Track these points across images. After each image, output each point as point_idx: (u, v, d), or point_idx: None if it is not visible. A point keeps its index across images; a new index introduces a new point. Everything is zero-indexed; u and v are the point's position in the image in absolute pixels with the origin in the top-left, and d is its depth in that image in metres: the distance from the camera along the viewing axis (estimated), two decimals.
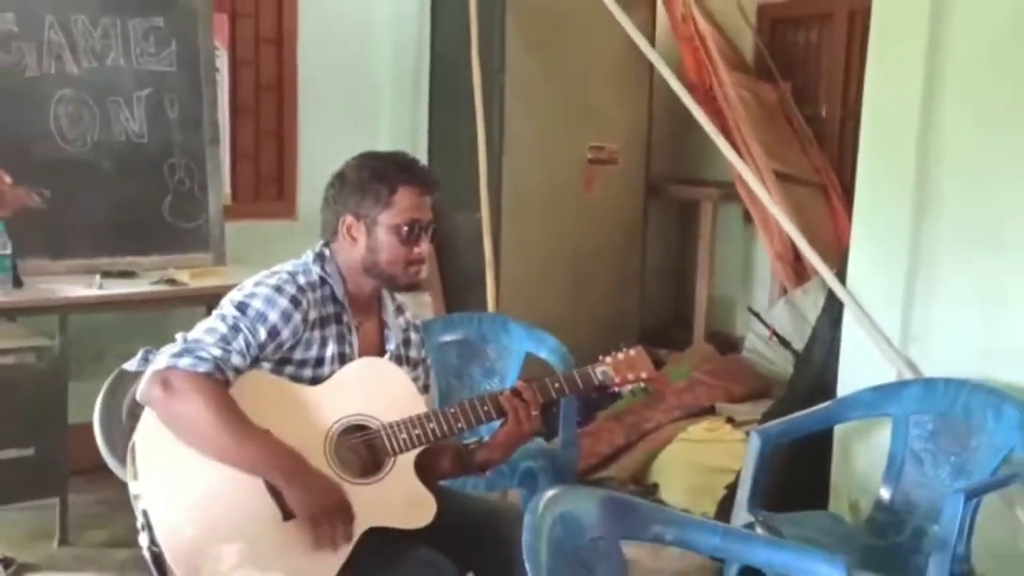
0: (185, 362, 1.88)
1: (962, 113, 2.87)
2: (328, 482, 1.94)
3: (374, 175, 2.07)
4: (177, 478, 1.91)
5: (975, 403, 2.63)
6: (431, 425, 2.02)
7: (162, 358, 1.91)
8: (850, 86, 4.57)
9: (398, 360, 2.18)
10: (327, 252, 2.12)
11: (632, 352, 2.23)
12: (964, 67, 2.86)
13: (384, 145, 4.64)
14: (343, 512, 1.92)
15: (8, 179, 3.04)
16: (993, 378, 2.72)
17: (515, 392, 2.10)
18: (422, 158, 4.69)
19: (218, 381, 1.89)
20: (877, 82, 3.05)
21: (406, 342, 2.22)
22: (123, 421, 2.06)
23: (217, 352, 1.90)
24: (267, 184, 4.52)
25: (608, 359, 2.21)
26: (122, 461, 2.02)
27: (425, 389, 2.22)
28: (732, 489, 3.11)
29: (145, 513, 1.89)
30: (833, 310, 3.27)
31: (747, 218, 4.93)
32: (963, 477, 2.56)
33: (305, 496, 1.89)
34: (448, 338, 3.29)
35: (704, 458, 3.82)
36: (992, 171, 2.83)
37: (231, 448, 1.88)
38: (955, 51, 2.87)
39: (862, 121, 3.10)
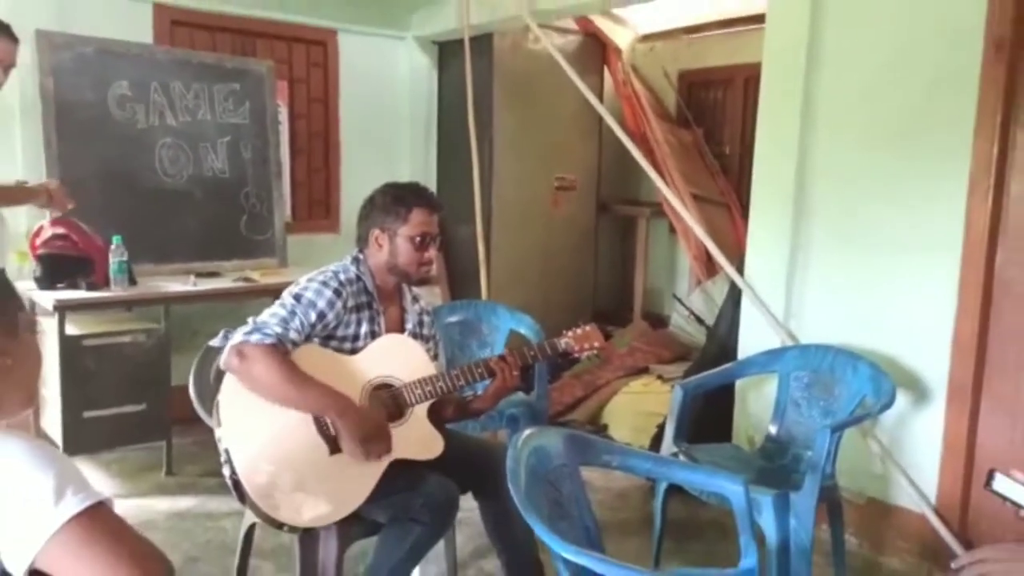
0: (255, 337, 1.88)
1: (827, 146, 2.89)
2: (369, 412, 1.95)
3: (395, 199, 2.08)
4: (249, 425, 1.91)
5: (838, 362, 2.63)
6: (439, 383, 2.02)
7: (237, 335, 1.91)
8: (747, 131, 4.56)
9: (415, 336, 2.17)
10: (361, 256, 2.12)
11: (588, 328, 2.22)
12: (829, 114, 2.87)
13: (404, 176, 4.62)
14: (383, 432, 1.93)
15: (55, 183, 2.88)
16: (852, 343, 2.73)
17: (501, 358, 2.10)
18: (432, 186, 4.73)
19: (280, 350, 1.89)
20: (765, 128, 3.05)
21: (421, 323, 2.21)
22: (211, 383, 2.04)
23: (279, 330, 1.90)
24: (317, 207, 4.48)
25: (570, 333, 2.20)
26: (210, 412, 2.01)
27: (435, 358, 2.21)
28: (662, 427, 3.10)
29: (227, 451, 1.90)
30: (734, 295, 3.27)
31: (672, 229, 4.93)
32: (829, 416, 2.56)
33: (354, 424, 1.89)
34: (453, 319, 3.28)
35: (641, 405, 3.82)
36: (848, 189, 2.84)
37: (295, 395, 1.88)
38: (821, 104, 2.88)
39: (755, 156, 3.09)
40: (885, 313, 2.75)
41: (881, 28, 2.71)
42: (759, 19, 3.08)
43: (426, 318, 2.25)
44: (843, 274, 2.87)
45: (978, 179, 2.50)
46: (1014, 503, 1.54)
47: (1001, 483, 1.56)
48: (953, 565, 1.45)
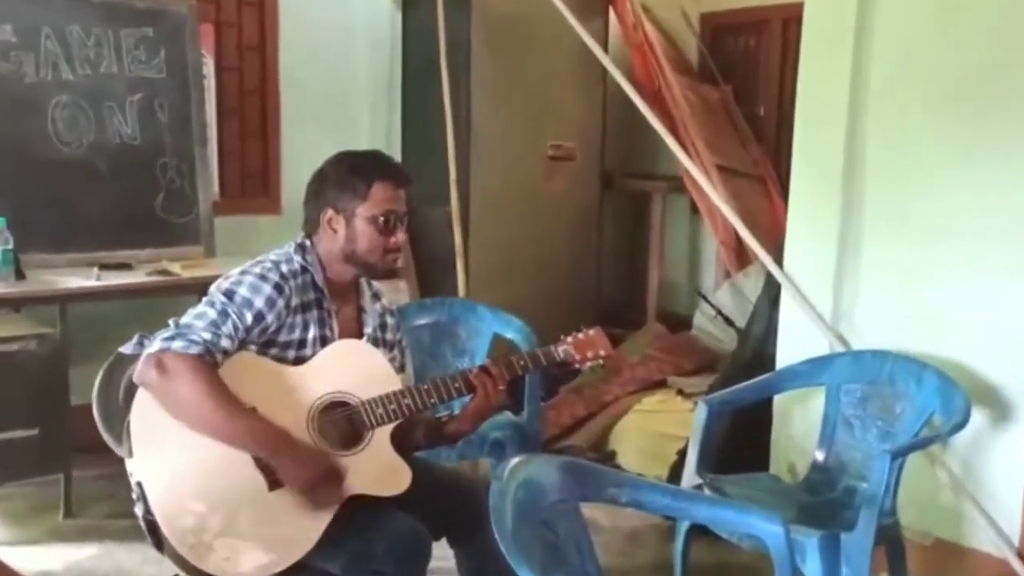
0: (178, 345, 1.87)
1: (883, 116, 2.91)
2: (312, 451, 1.94)
3: (352, 171, 2.07)
4: (169, 453, 1.89)
5: (898, 372, 2.65)
6: (406, 400, 2.02)
7: (156, 342, 1.90)
8: (785, 88, 4.58)
9: (375, 342, 2.16)
10: (308, 243, 2.11)
11: (591, 332, 2.23)
12: (886, 75, 2.89)
13: (361, 144, 4.55)
14: (331, 475, 1.93)
15: None
16: (913, 349, 2.75)
17: (483, 369, 2.11)
18: (396, 156, 4.71)
19: (208, 362, 1.88)
20: (808, 87, 3.07)
21: (383, 326, 2.21)
22: (120, 401, 2.03)
23: (207, 335, 1.89)
24: (253, 181, 4.47)
25: (569, 339, 2.21)
26: (119, 438, 2.00)
27: (401, 368, 2.21)
28: (682, 454, 3.13)
29: (140, 485, 1.89)
30: (771, 291, 3.29)
31: (693, 208, 4.94)
32: (889, 439, 2.58)
33: (293, 467, 1.89)
34: (422, 321, 3.28)
35: (657, 426, 3.83)
36: (910, 163, 2.86)
37: (221, 425, 1.87)
38: (878, 60, 2.90)
39: (796, 121, 3.11)
40: (955, 313, 2.77)
41: None
42: None
43: (389, 320, 2.24)
44: (903, 266, 2.89)
45: None
46: None
47: None
48: None
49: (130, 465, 1.92)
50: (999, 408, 2.71)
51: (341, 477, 1.95)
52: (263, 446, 1.90)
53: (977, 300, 2.73)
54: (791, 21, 4.26)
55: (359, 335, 2.15)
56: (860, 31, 2.89)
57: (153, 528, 1.88)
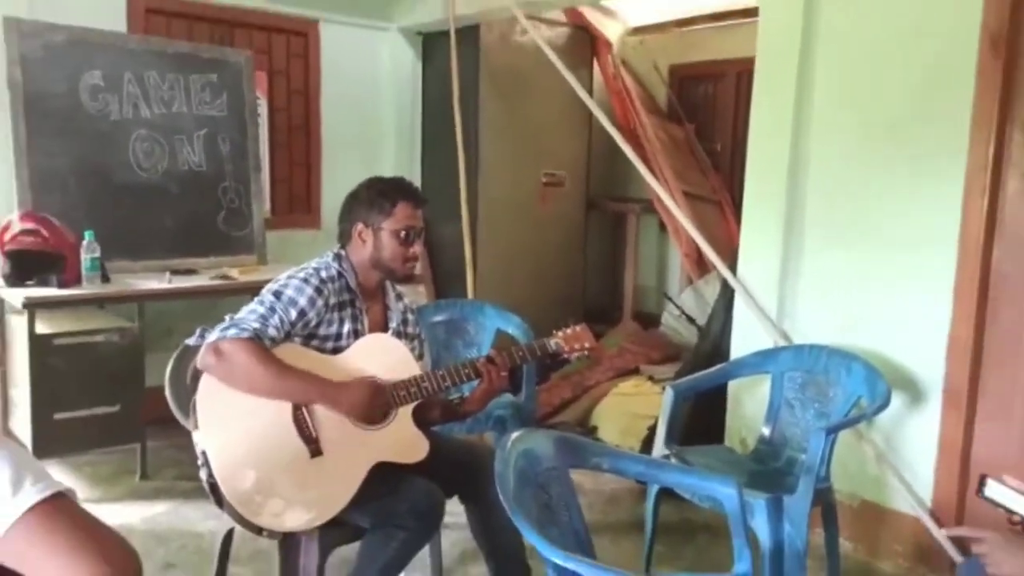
0: (231, 332, 1.88)
1: (820, 150, 2.90)
2: (353, 384, 1.95)
3: (379, 193, 2.08)
4: (227, 427, 1.89)
5: (832, 363, 2.64)
6: (424, 384, 2.01)
7: (214, 333, 1.90)
8: (738, 127, 4.59)
9: (398, 335, 2.16)
10: (343, 253, 2.11)
11: (578, 328, 2.22)
12: (822, 117, 2.89)
13: (388, 172, 4.58)
14: (377, 394, 1.95)
15: None
16: (846, 344, 2.74)
17: (488, 359, 2.10)
18: (416, 181, 4.69)
19: (258, 343, 1.88)
20: (758, 126, 3.06)
21: (404, 321, 2.21)
22: (187, 384, 2.02)
23: (257, 325, 1.90)
24: (298, 202, 4.46)
25: (559, 333, 2.20)
26: (187, 414, 1.99)
27: (420, 357, 2.20)
28: (652, 430, 3.12)
29: (204, 453, 1.88)
30: (727, 295, 3.28)
31: (662, 226, 4.94)
32: (824, 418, 2.57)
33: (343, 400, 1.91)
34: (438, 319, 3.26)
35: (631, 407, 3.82)
36: (842, 187, 2.86)
37: (274, 382, 1.87)
38: (816, 104, 2.90)
39: (748, 153, 3.10)
40: (880, 312, 2.77)
41: (876, 23, 2.73)
42: (752, 12, 3.10)
43: (410, 316, 2.24)
44: (837, 273, 2.88)
45: (974, 176, 2.52)
46: (1006, 509, 1.56)
47: (993, 489, 1.58)
48: (948, 533, 1.48)
49: (195, 436, 1.91)
50: (914, 393, 2.70)
51: (384, 392, 1.96)
52: (315, 392, 1.90)
53: (897, 302, 2.73)
54: (744, 73, 4.26)
55: (385, 329, 2.15)
56: (801, 81, 2.90)
57: (215, 489, 1.87)
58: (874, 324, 2.77)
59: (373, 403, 1.93)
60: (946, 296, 2.60)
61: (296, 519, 1.86)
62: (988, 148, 2.49)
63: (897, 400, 2.62)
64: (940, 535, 2.57)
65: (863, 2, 2.76)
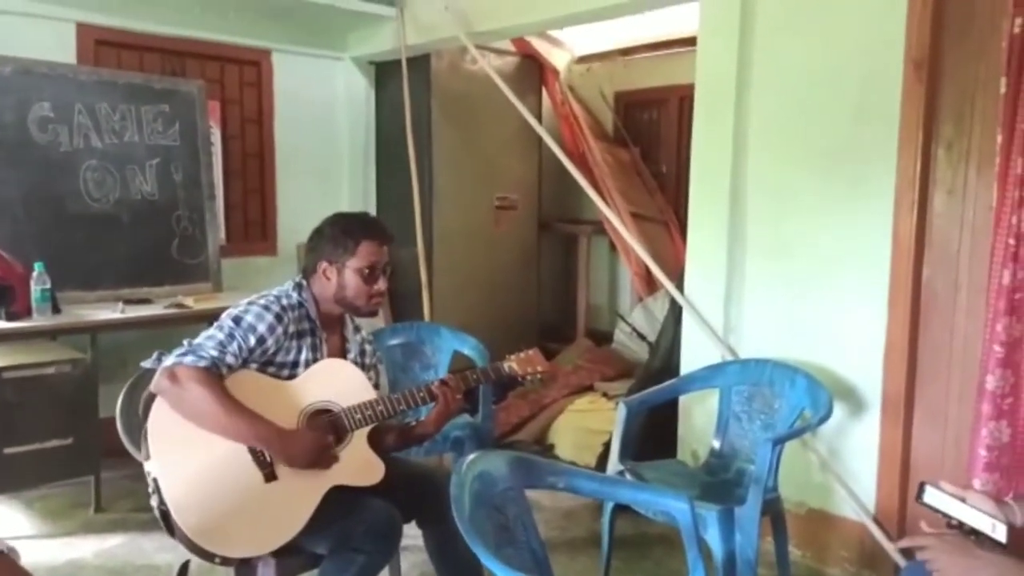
0: (189, 359, 1.84)
1: (759, 165, 2.95)
2: (303, 436, 1.90)
3: (343, 231, 2.06)
4: (179, 453, 1.84)
5: (776, 375, 2.67)
6: (379, 407, 1.98)
7: (171, 358, 1.86)
8: (682, 150, 4.64)
9: (357, 366, 2.13)
10: (304, 284, 2.08)
11: (530, 352, 2.21)
12: (760, 139, 2.94)
13: (344, 198, 4.60)
14: (323, 452, 1.89)
15: None
16: (789, 357, 2.78)
17: (443, 382, 2.08)
18: (372, 207, 4.68)
19: (214, 373, 1.84)
20: (699, 148, 3.10)
21: (362, 352, 2.18)
22: (139, 413, 1.96)
23: (214, 353, 1.85)
24: (254, 228, 4.38)
25: (512, 357, 2.19)
26: (137, 444, 1.93)
27: (376, 386, 2.17)
28: (607, 446, 3.12)
29: (155, 480, 1.82)
30: (675, 312, 3.30)
31: (612, 247, 4.97)
32: (770, 429, 2.59)
33: (286, 450, 1.86)
34: (395, 341, 3.23)
35: (587, 423, 3.81)
36: (780, 206, 2.90)
37: (223, 421, 1.82)
38: (754, 127, 2.95)
39: (691, 176, 3.14)
40: (819, 326, 2.81)
41: (806, 50, 2.79)
42: (691, 41, 3.15)
43: (368, 347, 2.21)
44: (778, 289, 2.92)
45: (903, 195, 2.59)
46: (944, 514, 1.59)
47: (931, 495, 1.61)
48: (898, 544, 1.50)
49: (147, 465, 1.85)
50: (855, 403, 2.74)
51: (328, 444, 1.90)
52: (259, 437, 1.85)
53: (837, 318, 2.77)
54: (686, 98, 4.32)
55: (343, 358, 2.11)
56: (738, 105, 2.95)
57: (166, 516, 1.82)
58: (815, 337, 2.81)
59: (315, 455, 1.88)
60: (881, 309, 2.66)
61: (250, 545, 1.81)
62: (915, 166, 2.56)
63: (839, 410, 2.66)
64: (887, 543, 2.60)
65: (794, 33, 2.82)
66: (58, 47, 3.55)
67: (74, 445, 3.03)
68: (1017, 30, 2.24)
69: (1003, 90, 2.28)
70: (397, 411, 2.00)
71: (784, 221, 2.89)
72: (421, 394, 2.03)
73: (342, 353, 2.13)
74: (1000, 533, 1.53)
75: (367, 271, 2.03)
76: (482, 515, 1.53)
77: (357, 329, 2.21)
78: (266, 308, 1.95)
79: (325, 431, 1.93)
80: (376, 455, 1.98)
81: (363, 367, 2.14)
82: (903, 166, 2.58)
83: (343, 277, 2.03)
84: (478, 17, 3.79)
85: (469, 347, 3.10)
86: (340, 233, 2.05)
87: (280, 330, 1.94)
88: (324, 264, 2.05)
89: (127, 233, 3.60)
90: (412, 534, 2.07)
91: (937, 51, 2.52)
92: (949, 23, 2.51)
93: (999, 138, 2.30)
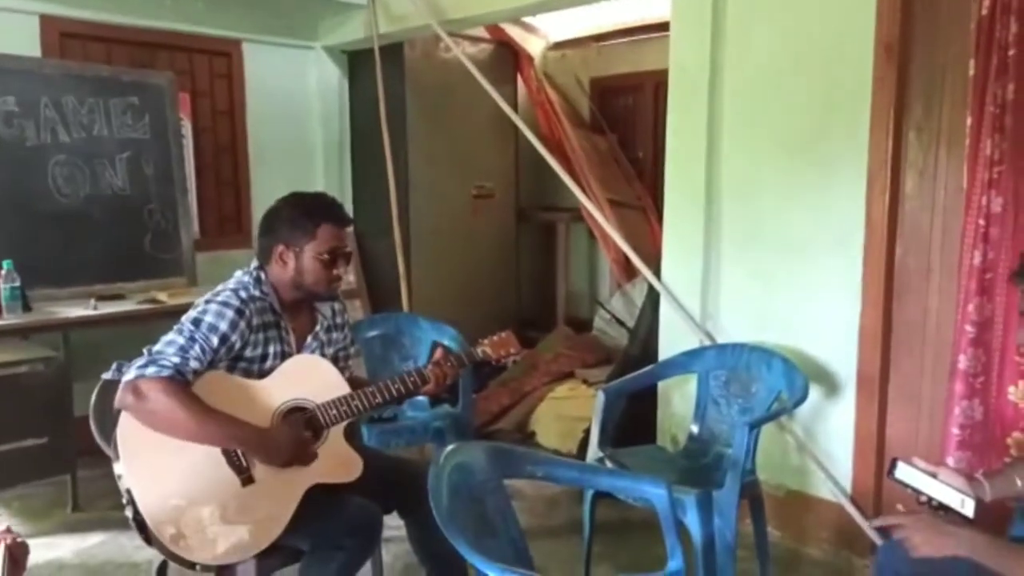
0: (150, 371, 1.77)
1: (733, 150, 2.95)
2: (273, 429, 1.87)
3: (303, 213, 1.97)
4: (153, 462, 1.80)
5: (754, 360, 2.68)
6: (355, 402, 1.95)
7: (132, 370, 1.79)
8: (658, 136, 4.61)
9: (328, 328, 2.08)
10: (262, 275, 2.00)
11: (503, 334, 2.19)
12: (734, 124, 2.94)
13: (319, 188, 4.44)
14: (302, 449, 1.87)
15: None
16: (766, 341, 2.79)
17: (418, 371, 2.05)
18: (348, 198, 4.64)
19: (179, 381, 1.78)
20: (675, 134, 3.09)
21: (333, 312, 2.12)
22: (112, 414, 1.92)
23: (176, 360, 1.79)
24: (228, 222, 4.33)
25: (486, 341, 2.17)
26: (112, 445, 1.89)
27: (353, 343, 2.16)
28: (588, 432, 3.12)
29: (128, 491, 1.79)
30: (653, 298, 3.31)
31: (591, 234, 4.98)
32: (748, 413, 2.60)
33: (264, 447, 1.83)
34: (373, 333, 3.21)
35: (567, 410, 3.83)
36: (756, 192, 2.91)
37: (195, 428, 1.78)
38: (728, 112, 2.95)
39: (666, 162, 3.13)
40: (795, 310, 2.83)
41: (778, 35, 2.79)
42: (665, 27, 3.14)
43: (337, 306, 2.15)
44: (753, 274, 2.93)
45: (875, 178, 2.60)
46: (915, 490, 1.61)
47: (903, 471, 1.62)
48: (872, 523, 1.52)
49: (118, 470, 1.81)
50: (830, 386, 2.77)
51: (307, 438, 1.88)
52: (234, 438, 1.81)
53: (812, 301, 2.79)
54: (661, 84, 4.29)
55: (312, 330, 2.06)
56: (711, 91, 2.94)
57: (142, 526, 1.78)
58: (791, 320, 2.83)
59: (294, 450, 1.85)
60: (855, 290, 2.68)
61: (230, 552, 1.78)
62: (886, 149, 2.57)
63: (815, 392, 2.68)
64: (863, 522, 2.63)
65: (765, 18, 2.82)
66: (22, 40, 3.47)
67: (49, 444, 2.99)
68: (985, 12, 2.26)
69: (972, 72, 2.30)
70: (373, 405, 1.97)
71: (758, 205, 2.90)
72: (396, 387, 1.99)
73: (312, 325, 2.06)
74: (968, 508, 1.55)
75: (327, 256, 1.95)
76: (460, 507, 1.52)
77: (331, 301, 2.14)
78: (225, 304, 1.87)
79: (301, 427, 1.91)
80: (354, 451, 1.96)
81: (335, 328, 2.10)
82: (874, 149, 2.59)
83: (301, 262, 1.95)
84: (450, 5, 3.75)
85: (448, 337, 3.08)
86: (299, 215, 1.96)
87: (243, 324, 1.88)
88: (281, 248, 1.96)
89: (98, 229, 3.54)
90: (395, 524, 2.07)
91: (907, 34, 2.53)
92: (918, 6, 2.52)
93: (968, 120, 2.33)
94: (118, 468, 1.81)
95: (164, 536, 1.75)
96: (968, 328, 2.32)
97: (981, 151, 2.28)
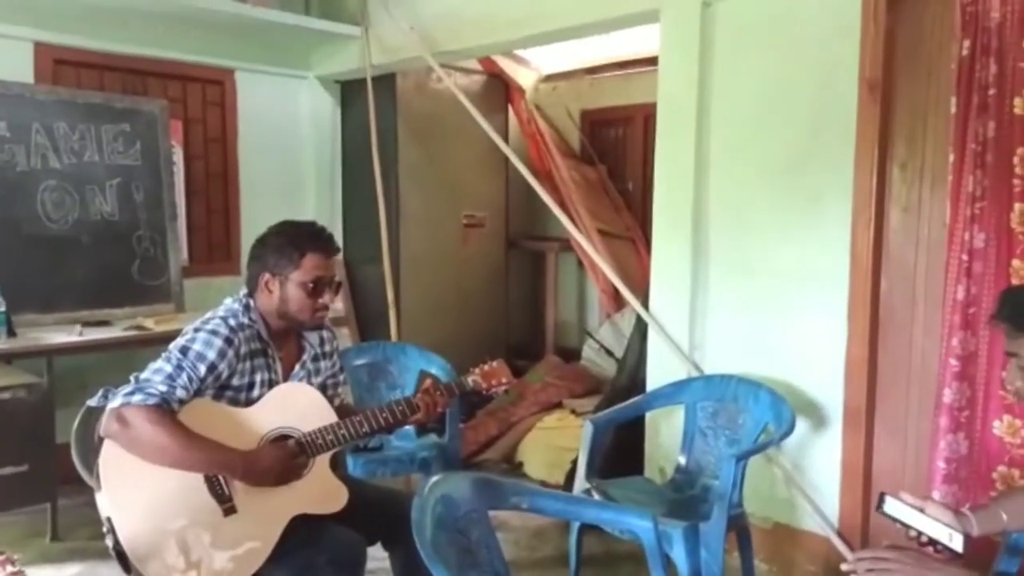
0: (136, 399, 1.76)
1: (720, 182, 2.98)
2: (258, 450, 1.85)
3: (288, 241, 1.98)
4: (134, 491, 1.78)
5: (740, 391, 2.69)
6: (341, 431, 1.94)
7: (118, 398, 1.78)
8: (647, 168, 4.69)
9: (315, 358, 2.08)
10: (251, 303, 2.00)
11: (494, 364, 2.19)
12: (721, 155, 2.97)
13: (309, 217, 4.44)
14: (289, 468, 1.86)
15: None
16: (752, 372, 2.80)
17: (407, 400, 2.04)
18: (338, 226, 4.65)
19: (165, 410, 1.77)
20: (662, 166, 3.12)
21: (321, 341, 2.12)
22: (95, 444, 1.90)
23: (163, 388, 1.78)
24: (217, 249, 4.32)
25: (476, 370, 2.17)
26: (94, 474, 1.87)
27: (341, 370, 2.16)
28: (576, 463, 3.11)
29: (109, 520, 1.76)
30: (641, 328, 3.32)
31: (580, 264, 5.00)
32: (735, 445, 2.60)
33: (252, 469, 1.82)
34: (360, 361, 3.20)
35: (555, 440, 3.81)
36: (741, 223, 2.93)
37: (180, 455, 1.76)
38: (715, 144, 2.98)
39: (655, 193, 3.16)
40: (781, 342, 2.84)
41: (763, 71, 2.84)
42: (655, 61, 3.18)
43: (325, 334, 2.15)
44: (740, 305, 2.95)
45: (860, 212, 2.64)
46: (904, 524, 1.60)
47: (891, 506, 1.62)
48: (851, 557, 1.52)
49: (99, 499, 1.79)
50: (817, 418, 2.77)
51: (293, 454, 1.87)
52: (220, 463, 1.80)
53: (799, 333, 2.80)
54: (650, 117, 4.35)
55: (299, 359, 2.06)
56: (699, 123, 2.98)
57: (122, 556, 1.75)
58: (778, 352, 2.84)
59: (281, 469, 1.84)
60: (841, 324, 2.69)
61: None
62: (871, 185, 2.61)
63: (802, 425, 2.69)
64: (850, 556, 2.62)
65: (752, 54, 2.87)
66: (16, 66, 3.48)
67: (29, 472, 2.95)
68: (966, 52, 2.31)
69: (953, 110, 2.35)
70: (360, 434, 1.97)
71: (745, 238, 2.92)
72: (383, 415, 1.98)
73: (299, 354, 2.06)
74: (957, 543, 1.55)
75: (311, 285, 1.94)
76: (444, 539, 1.51)
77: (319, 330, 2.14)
78: (214, 333, 1.87)
79: (287, 447, 1.89)
80: (339, 481, 1.95)
81: (323, 356, 2.10)
82: (859, 184, 2.63)
83: (285, 290, 1.95)
84: (443, 37, 3.80)
85: (436, 366, 3.08)
86: (285, 243, 1.95)
87: (231, 353, 1.87)
88: (267, 276, 1.95)
89: (86, 254, 3.54)
90: (379, 556, 2.04)
91: (890, 73, 2.58)
92: (901, 46, 2.57)
93: (951, 157, 2.37)
94: (99, 497, 1.79)
95: (144, 566, 1.72)
96: (952, 362, 2.34)
97: (963, 187, 2.32)
